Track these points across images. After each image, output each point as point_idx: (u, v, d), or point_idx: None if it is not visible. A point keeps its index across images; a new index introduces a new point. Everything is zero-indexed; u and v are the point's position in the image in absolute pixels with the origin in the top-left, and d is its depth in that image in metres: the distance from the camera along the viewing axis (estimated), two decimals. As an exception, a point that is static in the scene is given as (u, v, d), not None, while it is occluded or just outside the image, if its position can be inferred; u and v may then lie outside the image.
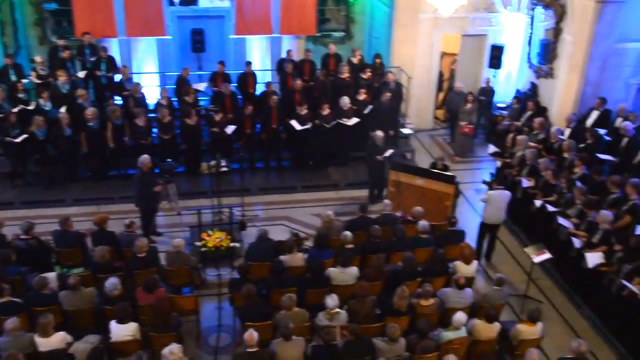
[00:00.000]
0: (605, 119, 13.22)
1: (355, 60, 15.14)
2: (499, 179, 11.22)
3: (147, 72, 15.28)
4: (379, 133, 12.63)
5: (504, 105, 16.30)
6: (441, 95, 17.33)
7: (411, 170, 11.95)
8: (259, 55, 16.07)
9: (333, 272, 8.94)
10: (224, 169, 11.36)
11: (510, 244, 11.89)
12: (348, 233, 9.54)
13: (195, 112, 13.08)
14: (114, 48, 15.19)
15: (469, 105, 14.87)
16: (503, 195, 10.71)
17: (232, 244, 10.82)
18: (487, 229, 10.98)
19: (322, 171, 14.04)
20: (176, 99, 14.00)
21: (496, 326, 8.10)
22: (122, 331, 7.58)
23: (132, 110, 13.13)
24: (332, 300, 8.03)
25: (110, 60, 14.06)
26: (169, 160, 11.92)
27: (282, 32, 15.51)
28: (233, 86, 14.35)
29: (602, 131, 12.77)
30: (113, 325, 7.65)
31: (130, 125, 12.82)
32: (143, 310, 8.27)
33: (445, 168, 12.18)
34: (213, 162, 11.28)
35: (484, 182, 11.10)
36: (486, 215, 10.84)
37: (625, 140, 11.98)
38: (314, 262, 9.00)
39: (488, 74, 16.42)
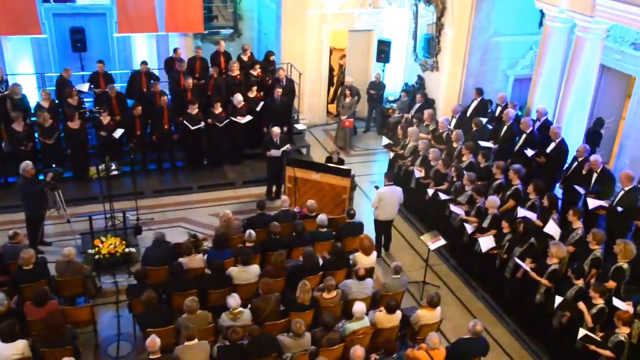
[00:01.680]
0: (484, 108, 13.94)
1: (245, 57, 15.02)
2: (390, 173, 11.35)
3: (23, 73, 14.42)
4: (275, 129, 12.66)
5: (393, 99, 16.67)
6: (332, 90, 17.53)
7: (307, 165, 11.99)
8: (145, 54, 15.57)
9: (234, 271, 8.86)
10: (115, 172, 11.11)
11: (407, 233, 12.21)
12: (252, 231, 9.46)
13: (79, 114, 12.64)
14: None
15: (347, 100, 15.14)
16: (394, 191, 10.83)
17: (127, 249, 10.53)
18: (381, 225, 11.10)
19: (218, 170, 13.93)
20: (58, 102, 13.40)
21: (398, 315, 8.30)
22: (8, 350, 7.17)
23: (10, 113, 12.37)
24: (233, 300, 7.97)
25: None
26: (54, 165, 11.40)
27: (167, 29, 15.11)
28: (120, 86, 13.95)
29: (484, 119, 13.32)
30: (-3, 344, 7.20)
31: (7, 130, 12.11)
32: (33, 325, 7.83)
33: (341, 162, 12.33)
34: (102, 166, 10.99)
35: (377, 187, 11.31)
36: (379, 212, 10.89)
37: (504, 127, 12.55)
38: (214, 263, 8.88)
39: (377, 69, 16.75)
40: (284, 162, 12.29)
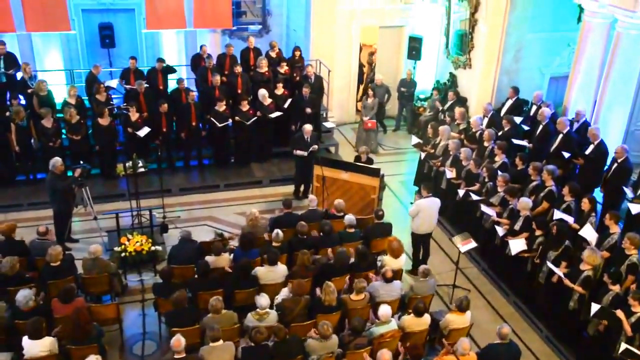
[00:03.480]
0: (519, 108, 13.62)
1: (273, 54, 15.07)
2: (429, 184, 11.04)
3: (52, 69, 14.67)
4: (308, 126, 12.70)
5: (424, 97, 16.58)
6: (362, 88, 17.55)
7: (336, 164, 12.00)
8: (175, 50, 15.75)
9: (261, 271, 8.87)
10: (142, 169, 11.18)
11: (437, 235, 12.07)
12: (279, 231, 9.50)
13: (108, 111, 12.73)
14: (12, 44, 14.42)
15: (370, 100, 15.07)
16: (433, 203, 10.54)
17: (153, 248, 10.57)
18: (420, 239, 10.75)
19: (245, 168, 14.01)
20: (87, 98, 13.55)
21: (426, 318, 8.22)
22: (35, 347, 7.27)
23: (38, 110, 12.58)
24: (264, 299, 7.99)
25: (10, 56, 13.31)
26: (82, 162, 11.53)
27: (196, 25, 15.18)
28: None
29: (518, 119, 13.16)
30: (25, 341, 7.30)
31: (36, 127, 12.29)
32: (60, 322, 7.94)
33: (370, 161, 12.29)
34: (129, 163, 11.05)
35: (412, 203, 11.22)
36: (417, 225, 10.55)
37: (540, 127, 12.40)
38: (240, 262, 8.86)
39: (408, 66, 16.66)
40: (312, 161, 12.33)
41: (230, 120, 13.46)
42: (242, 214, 11.97)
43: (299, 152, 12.52)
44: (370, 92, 15.16)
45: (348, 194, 11.60)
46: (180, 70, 15.20)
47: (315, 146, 12.74)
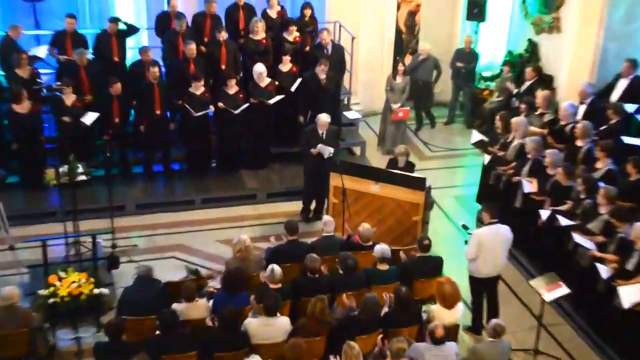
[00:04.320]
0: (635, 90, 13.43)
1: (273, 13, 14.98)
2: (491, 205, 10.71)
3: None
4: (323, 117, 12.65)
5: (490, 75, 16.57)
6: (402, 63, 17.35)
7: (362, 171, 12.02)
8: (131, 6, 15.88)
9: (253, 324, 8.79)
10: (82, 177, 11.23)
11: (510, 275, 11.87)
12: (276, 267, 9.30)
13: (30, 92, 12.77)
14: None
15: (399, 79, 15.22)
16: (499, 233, 10.34)
17: (97, 291, 10.29)
18: (481, 285, 10.64)
19: (232, 177, 14.16)
20: (2, 73, 13.69)
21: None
22: None
23: None
24: (254, 365, 7.97)
25: None
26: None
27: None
28: (91, 53, 14.05)
29: (631, 107, 12.99)
30: None
31: None
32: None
33: (411, 167, 12.31)
34: (64, 168, 11.07)
35: (465, 227, 11.05)
36: (477, 266, 10.39)
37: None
38: (224, 312, 8.73)
39: (467, 30, 16.72)
40: (328, 167, 12.29)
41: (211, 108, 13.52)
42: (227, 242, 11.80)
43: (321, 148, 12.53)
44: (400, 67, 15.25)
45: (379, 215, 11.64)
46: (140, 36, 15.23)
47: (331, 149, 12.65)
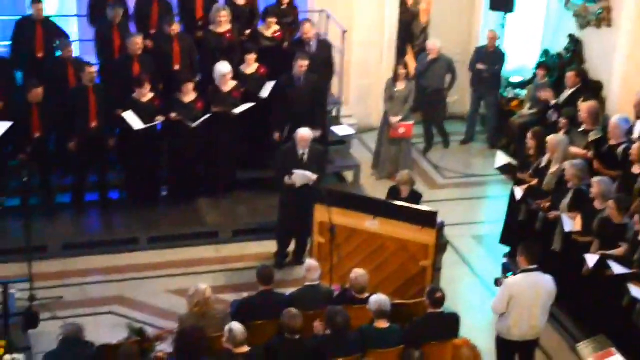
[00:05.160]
0: None
1: (240, -1, 15.69)
2: (531, 248, 10.40)
3: None
4: (304, 133, 12.47)
5: (520, 80, 16.66)
6: (408, 64, 17.18)
7: (355, 203, 11.89)
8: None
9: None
10: None
11: (549, 340, 11.69)
12: (235, 326, 9.05)
13: None
14: None
15: (400, 85, 15.25)
16: (538, 283, 10.15)
17: (9, 357, 10.16)
18: (513, 351, 10.51)
19: (187, 209, 14.17)
20: None
21: None
22: None
23: None
24: None
25: None
26: None
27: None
28: (4, 47, 14.09)
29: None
30: None
31: None
32: None
33: (417, 198, 12.21)
34: None
35: (496, 283, 10.81)
36: (507, 325, 10.20)
37: None
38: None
39: (490, 24, 16.77)
40: (311, 197, 12.15)
41: (159, 120, 13.50)
42: (182, 292, 11.50)
43: (296, 178, 12.38)
44: (401, 70, 15.24)
45: (378, 259, 11.55)
46: (68, 24, 15.17)
47: (313, 176, 12.47)
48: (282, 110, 13.98)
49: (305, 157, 12.48)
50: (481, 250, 13.89)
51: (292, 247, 13.20)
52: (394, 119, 15.16)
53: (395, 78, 15.25)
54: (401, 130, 15.18)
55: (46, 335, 10.77)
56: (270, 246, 13.27)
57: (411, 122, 15.33)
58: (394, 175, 12.88)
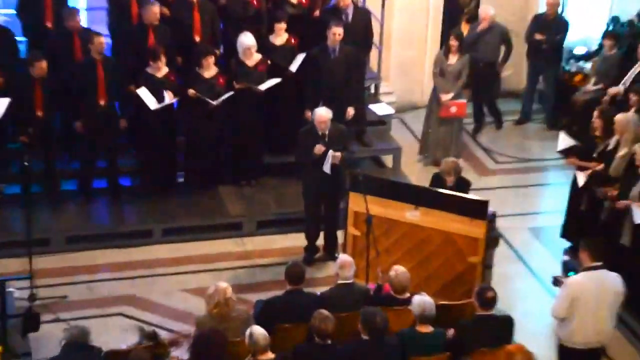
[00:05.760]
0: None
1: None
2: (594, 244, 10.32)
3: None
4: (321, 112, 12.60)
5: (585, 52, 16.71)
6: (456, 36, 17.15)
7: (395, 191, 12.00)
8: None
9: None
10: None
11: (618, 347, 11.65)
12: (257, 330, 9.01)
13: None
14: None
15: (452, 60, 15.41)
16: (606, 285, 9.99)
17: None
18: (577, 358, 10.34)
19: (206, 197, 14.29)
20: None
21: None
22: None
23: None
24: None
25: None
26: None
27: None
28: (6, 16, 14.18)
29: None
30: None
31: None
32: None
33: (464, 185, 12.35)
34: None
35: (557, 283, 10.85)
36: (570, 330, 10.10)
37: None
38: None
39: None
40: (341, 183, 12.38)
41: (175, 98, 13.59)
42: (199, 292, 11.65)
43: (317, 150, 12.49)
44: (453, 41, 15.27)
45: (420, 255, 11.64)
46: None
47: (338, 154, 12.53)
48: (313, 86, 14.01)
49: (326, 138, 12.62)
50: (538, 245, 13.93)
51: (319, 240, 13.33)
52: (445, 97, 15.22)
53: (447, 50, 15.32)
54: (453, 109, 15.26)
55: (48, 339, 10.89)
56: (299, 239, 13.34)
57: (464, 100, 15.44)
58: (441, 160, 12.97)
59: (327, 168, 12.49)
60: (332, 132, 12.65)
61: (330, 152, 12.44)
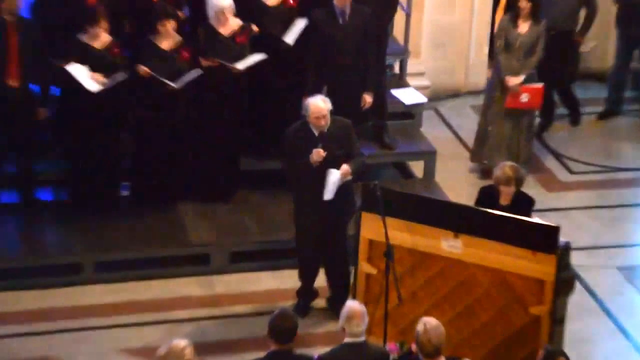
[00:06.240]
0: None
1: None
2: None
3: None
4: (316, 102, 12.39)
5: None
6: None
7: (426, 211, 11.67)
8: None
9: None
10: None
11: None
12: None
13: None
14: None
15: (523, 29, 15.48)
16: None
17: None
18: None
19: (161, 218, 14.32)
20: None
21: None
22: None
23: None
24: None
25: None
26: None
27: None
28: None
29: None
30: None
31: None
32: None
33: (524, 203, 12.23)
34: None
35: None
36: None
37: None
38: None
39: None
40: (351, 199, 12.42)
41: (121, 75, 13.57)
42: (146, 353, 11.89)
43: (314, 157, 12.37)
44: (524, 3, 15.28)
45: (461, 303, 11.40)
46: None
47: (345, 168, 12.45)
48: (315, 63, 14.02)
49: (325, 139, 12.39)
50: (633, 292, 13.68)
51: (321, 280, 13.16)
52: (514, 80, 15.24)
53: (515, 15, 15.20)
54: (524, 98, 15.24)
55: None
56: (290, 279, 13.32)
57: (539, 85, 15.35)
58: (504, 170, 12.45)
59: (329, 194, 12.39)
60: (334, 130, 12.51)
61: (334, 175, 12.28)
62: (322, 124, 12.27)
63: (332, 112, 12.50)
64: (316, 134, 12.35)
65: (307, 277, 13.12)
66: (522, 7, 14.94)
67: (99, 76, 13.34)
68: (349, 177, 12.38)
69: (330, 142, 12.37)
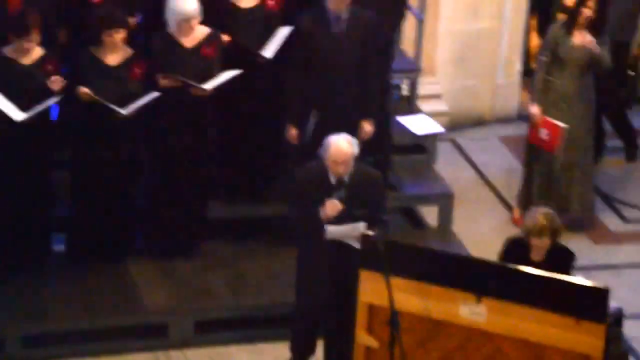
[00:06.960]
0: None
1: None
2: None
3: None
4: (339, 142, 12.36)
5: None
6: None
7: (438, 269, 11.68)
8: None
9: None
10: None
11: None
12: None
13: None
14: None
15: (578, 41, 15.60)
16: None
17: None
18: None
19: (104, 276, 14.38)
20: None
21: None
22: None
23: None
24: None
25: None
26: None
27: None
28: None
29: None
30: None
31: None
32: None
33: (563, 259, 12.35)
34: None
35: None
36: None
37: None
38: None
39: None
40: (357, 258, 12.20)
41: (53, 101, 13.79)
42: None
43: (325, 213, 12.45)
44: (588, 7, 15.63)
45: None
46: None
47: (362, 225, 12.40)
48: (301, 83, 14.13)
49: (344, 189, 12.42)
50: None
51: (316, 355, 13.25)
52: (534, 109, 15.55)
53: (570, 24, 15.25)
54: (544, 135, 15.40)
55: None
56: (268, 354, 13.53)
57: (560, 125, 15.54)
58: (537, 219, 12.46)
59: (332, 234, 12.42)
60: (358, 181, 12.57)
61: (356, 229, 12.25)
62: (342, 170, 12.31)
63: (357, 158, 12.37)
64: (333, 181, 12.44)
65: (302, 351, 13.20)
66: (584, 14, 14.99)
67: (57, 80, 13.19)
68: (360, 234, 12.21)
69: (350, 196, 12.41)
